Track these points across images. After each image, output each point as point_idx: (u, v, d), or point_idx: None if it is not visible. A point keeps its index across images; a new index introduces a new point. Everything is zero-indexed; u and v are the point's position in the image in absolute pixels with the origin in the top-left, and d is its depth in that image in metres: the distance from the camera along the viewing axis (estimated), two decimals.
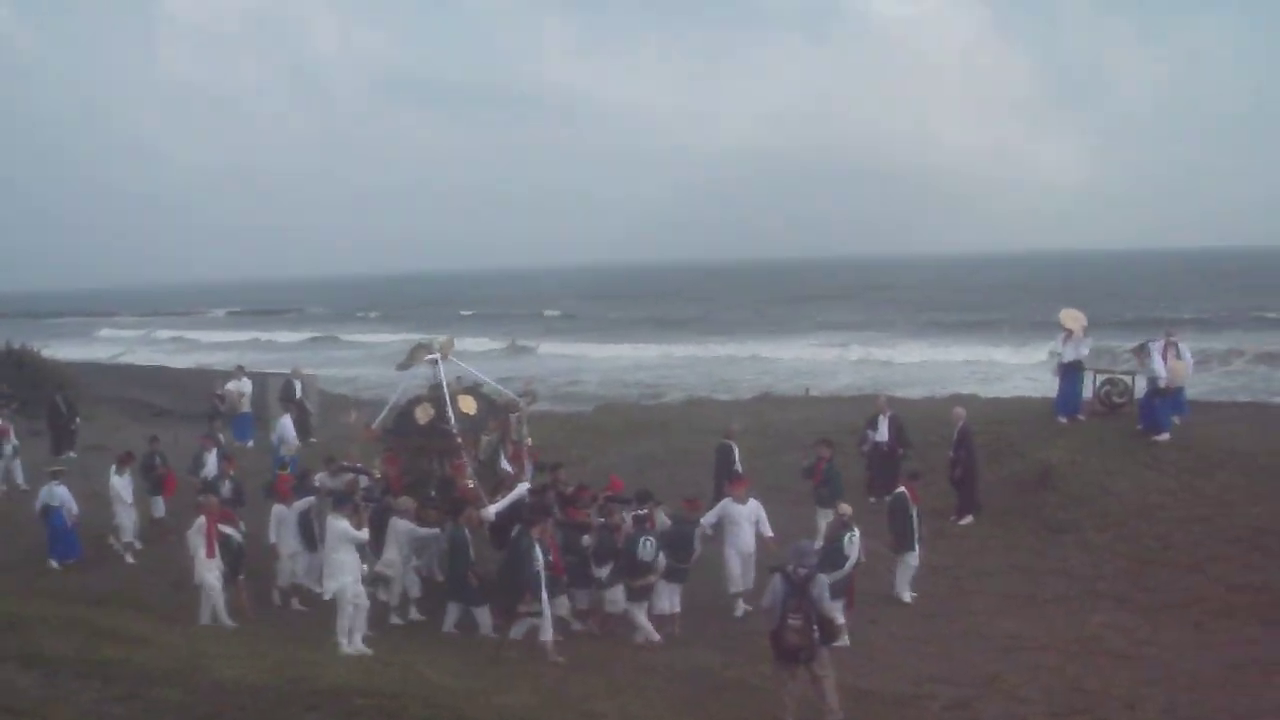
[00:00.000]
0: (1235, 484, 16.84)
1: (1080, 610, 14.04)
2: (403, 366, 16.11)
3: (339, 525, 12.64)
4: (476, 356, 42.65)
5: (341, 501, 13.28)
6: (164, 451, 18.76)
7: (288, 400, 25.59)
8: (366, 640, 12.62)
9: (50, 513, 17.21)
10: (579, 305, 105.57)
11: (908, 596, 14.49)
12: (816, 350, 55.22)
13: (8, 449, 21.75)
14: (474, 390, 15.97)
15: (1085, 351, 19.49)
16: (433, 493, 14.78)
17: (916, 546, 14.38)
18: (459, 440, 14.63)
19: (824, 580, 10.57)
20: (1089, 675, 12.10)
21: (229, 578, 14.38)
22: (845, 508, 13.43)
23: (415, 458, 15.22)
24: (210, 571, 13.81)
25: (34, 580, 15.80)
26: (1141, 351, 18.82)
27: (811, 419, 21.81)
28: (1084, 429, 19.13)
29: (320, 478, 16.06)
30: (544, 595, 12.53)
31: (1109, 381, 19.93)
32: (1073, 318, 19.54)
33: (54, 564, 17.05)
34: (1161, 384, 18.42)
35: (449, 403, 14.87)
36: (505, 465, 15.71)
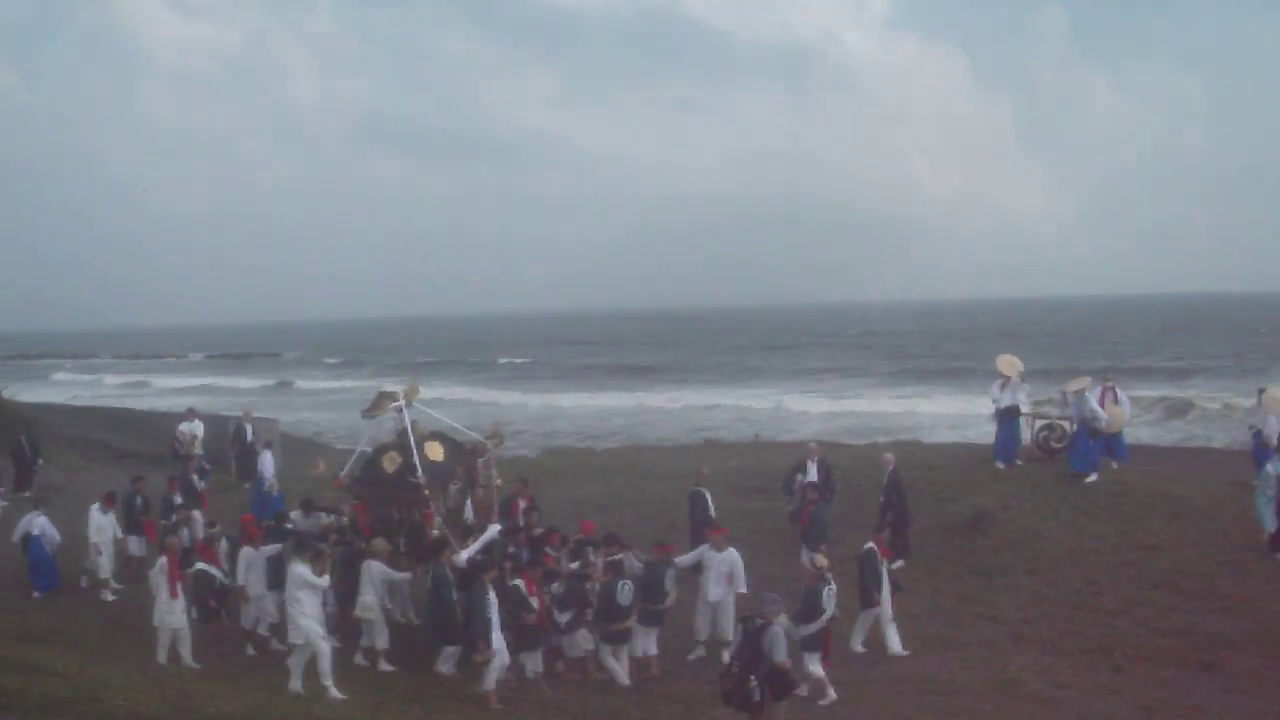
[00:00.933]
0: (1166, 529, 16.91)
1: (1002, 654, 13.88)
2: (368, 414, 16.00)
3: (297, 570, 12.59)
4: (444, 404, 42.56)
5: (302, 546, 13.25)
6: (147, 495, 18.63)
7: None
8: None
9: (31, 541, 17.24)
10: (546, 351, 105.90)
11: (859, 646, 14.11)
12: (794, 398, 54.98)
13: None
14: (440, 436, 15.80)
15: (1022, 397, 19.63)
16: (401, 541, 14.73)
17: (886, 603, 13.96)
18: (426, 491, 14.58)
19: (777, 632, 10.47)
20: (1001, 718, 12.00)
21: (211, 616, 14.37)
22: (822, 559, 13.09)
23: (383, 506, 15.20)
24: (172, 613, 13.63)
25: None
26: (1077, 394, 18.86)
27: (749, 465, 21.82)
28: (1021, 474, 19.17)
29: (294, 517, 16.08)
30: (494, 641, 12.36)
31: (1047, 427, 20.01)
32: (1009, 364, 19.63)
33: (36, 594, 17.05)
34: (1100, 425, 18.48)
35: (416, 450, 14.79)
36: (469, 514, 15.71)
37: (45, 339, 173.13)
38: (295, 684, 12.28)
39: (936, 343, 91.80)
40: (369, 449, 16.04)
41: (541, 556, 14.21)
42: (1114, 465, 19.09)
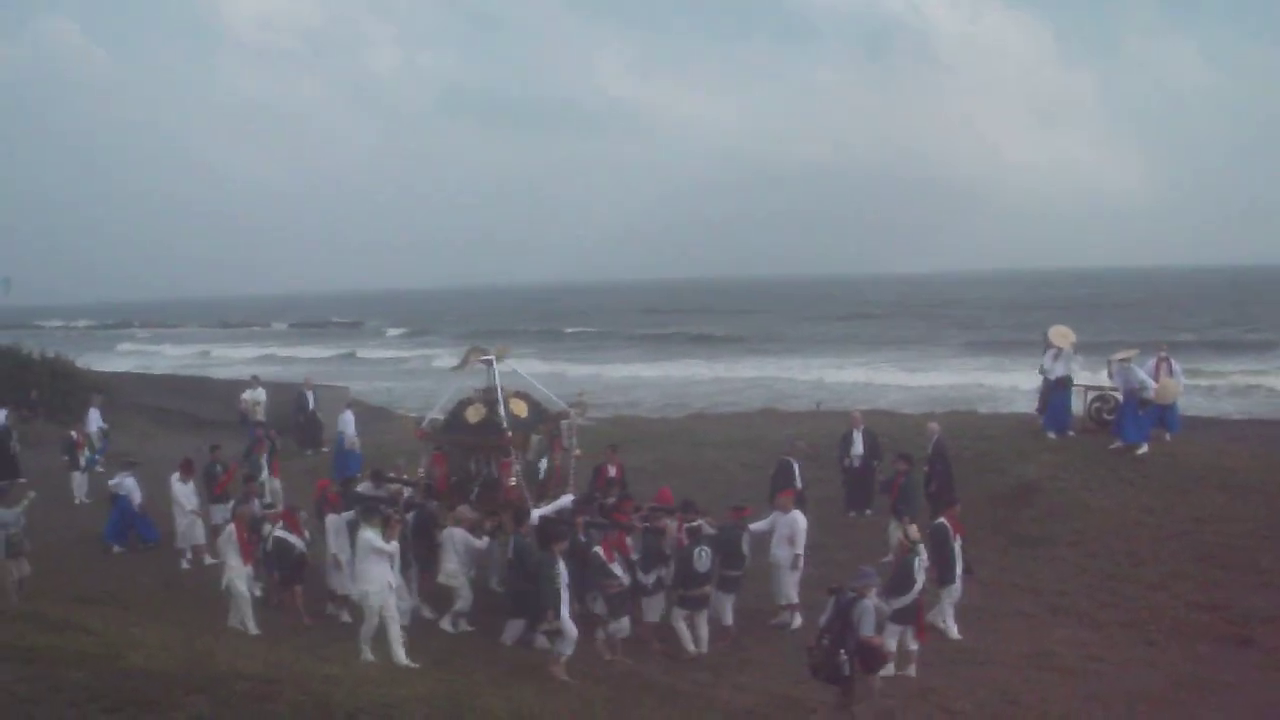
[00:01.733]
0: (1213, 501, 16.86)
1: (1039, 625, 14.06)
2: (457, 368, 16.15)
3: (365, 536, 12.52)
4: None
5: (370, 511, 13.11)
6: (225, 460, 18.91)
7: (300, 411, 26.33)
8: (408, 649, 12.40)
9: (117, 500, 17.98)
10: (625, 320, 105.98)
11: (954, 631, 13.61)
12: (868, 371, 54.13)
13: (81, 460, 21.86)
14: (525, 395, 15.86)
15: (1074, 368, 19.51)
16: (474, 494, 14.83)
17: (958, 579, 13.63)
18: (509, 438, 14.64)
19: (868, 605, 10.24)
20: (1029, 690, 12.13)
21: (286, 584, 14.56)
22: (914, 530, 12.65)
23: (463, 458, 15.21)
24: (240, 578, 13.76)
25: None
26: (1123, 364, 18.79)
27: (805, 433, 21.93)
28: (1071, 445, 19.16)
29: (363, 487, 15.99)
30: (564, 613, 12.21)
31: (1099, 398, 19.91)
32: (1061, 334, 19.55)
33: (116, 548, 17.83)
34: (1149, 395, 18.42)
35: (501, 404, 14.90)
36: (542, 475, 15.72)
37: (129, 309, 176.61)
38: (366, 654, 12.21)
39: (1014, 313, 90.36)
40: (452, 402, 16.03)
41: (612, 514, 14.46)
42: (1167, 437, 19.01)
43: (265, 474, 19.31)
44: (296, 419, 26.43)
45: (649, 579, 13.60)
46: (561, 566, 12.29)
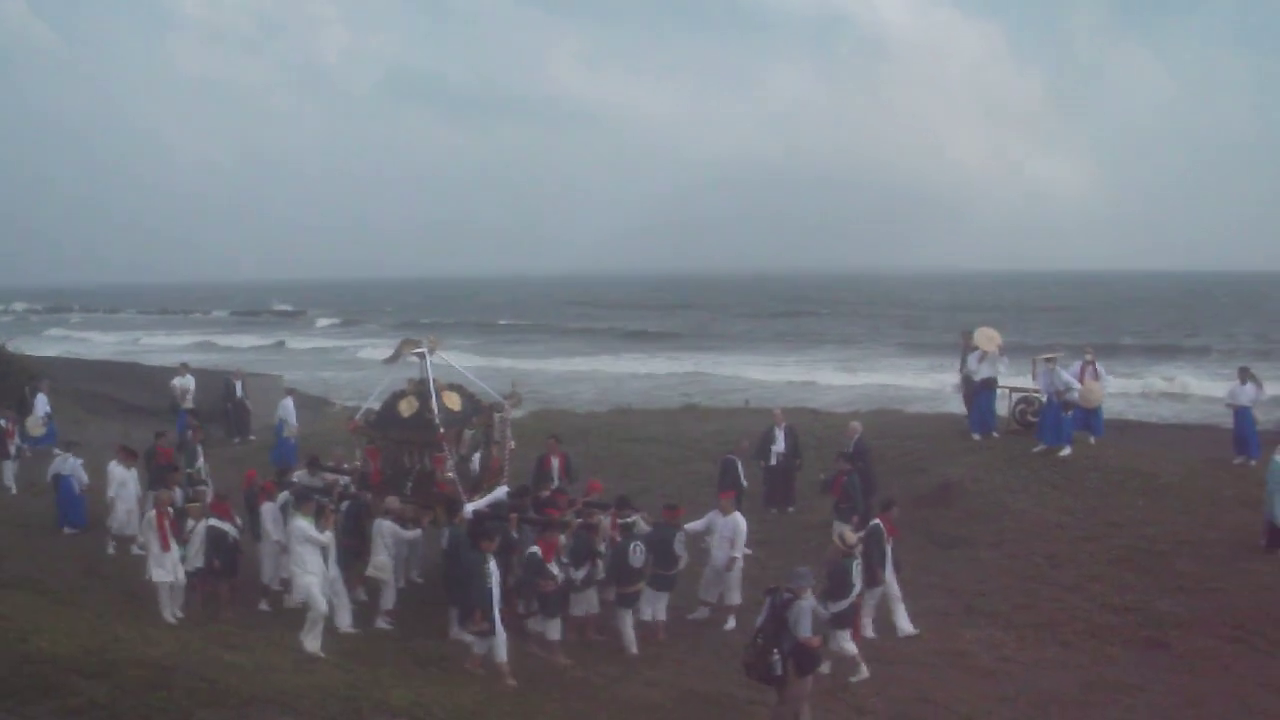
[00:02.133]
0: (1133, 505, 16.87)
1: (953, 625, 13.89)
2: (389, 360, 15.83)
3: (298, 524, 12.39)
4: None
5: (302, 498, 12.99)
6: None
7: (228, 399, 26.10)
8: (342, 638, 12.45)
9: (61, 481, 17.75)
10: (557, 314, 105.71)
11: (870, 631, 13.39)
12: (805, 369, 53.88)
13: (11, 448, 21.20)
14: (459, 388, 15.66)
15: (1000, 369, 19.48)
16: (409, 487, 14.62)
17: (889, 580, 13.51)
18: (441, 433, 14.42)
19: (804, 607, 10.34)
20: (940, 688, 12.07)
21: (222, 575, 14.13)
22: (849, 533, 12.60)
23: (396, 451, 15.02)
24: (162, 566, 13.44)
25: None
26: (1048, 364, 18.82)
27: (723, 430, 21.81)
28: (995, 446, 19.17)
29: (299, 475, 15.90)
30: (495, 615, 12.01)
31: (1024, 400, 19.90)
32: (987, 337, 19.54)
33: (66, 530, 17.57)
34: (1073, 397, 18.44)
35: (434, 397, 14.67)
36: (474, 468, 15.59)
37: (74, 294, 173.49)
38: (312, 645, 12.07)
39: (958, 314, 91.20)
40: (385, 394, 15.70)
41: (545, 509, 14.27)
42: (1091, 440, 19.00)
43: (200, 461, 19.16)
44: (224, 407, 26.45)
45: (579, 575, 13.32)
46: (493, 565, 12.12)
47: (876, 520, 13.63)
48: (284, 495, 14.57)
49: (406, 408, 14.81)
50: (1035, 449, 18.61)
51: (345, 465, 16.24)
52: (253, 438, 25.71)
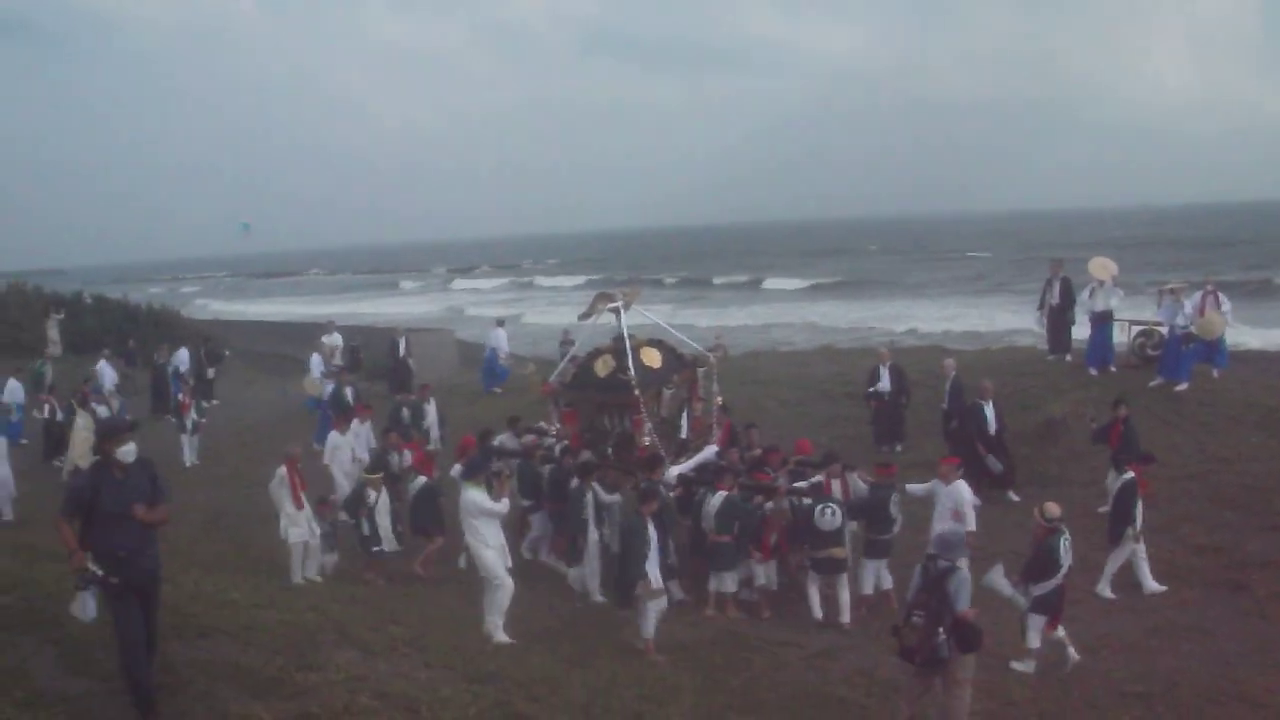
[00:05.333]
0: (1245, 440, 16.33)
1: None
2: (584, 316, 15.10)
3: (469, 495, 11.33)
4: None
5: (474, 468, 11.88)
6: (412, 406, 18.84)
7: (392, 356, 26.33)
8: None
9: None
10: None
11: (1109, 592, 12.86)
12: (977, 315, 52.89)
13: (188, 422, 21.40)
14: (659, 343, 14.90)
15: (1115, 302, 18.88)
16: (609, 451, 14.08)
17: (1130, 540, 12.79)
18: (638, 394, 13.69)
19: (965, 577, 8.89)
20: (995, 629, 12.04)
21: (427, 533, 14.00)
22: (1054, 508, 11.07)
23: (594, 413, 14.40)
24: (297, 525, 13.11)
25: None
26: (1172, 296, 18.18)
27: (844, 372, 21.84)
28: (1110, 381, 18.57)
29: (503, 439, 15.49)
30: (655, 574, 11.30)
31: (1144, 333, 19.28)
32: (1102, 266, 18.91)
33: None
34: (1190, 328, 17.83)
35: (630, 355, 13.97)
36: (683, 429, 14.91)
37: (287, 258, 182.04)
38: (490, 621, 11.26)
39: (1144, 251, 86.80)
40: (581, 353, 15.47)
41: (759, 477, 13.69)
42: (1215, 374, 18.31)
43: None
44: (389, 364, 26.78)
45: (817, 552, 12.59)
46: (652, 532, 11.40)
47: (1130, 473, 12.85)
48: (456, 467, 13.94)
49: (602, 367, 14.17)
50: (1151, 384, 18.08)
51: (544, 426, 15.79)
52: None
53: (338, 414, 17.91)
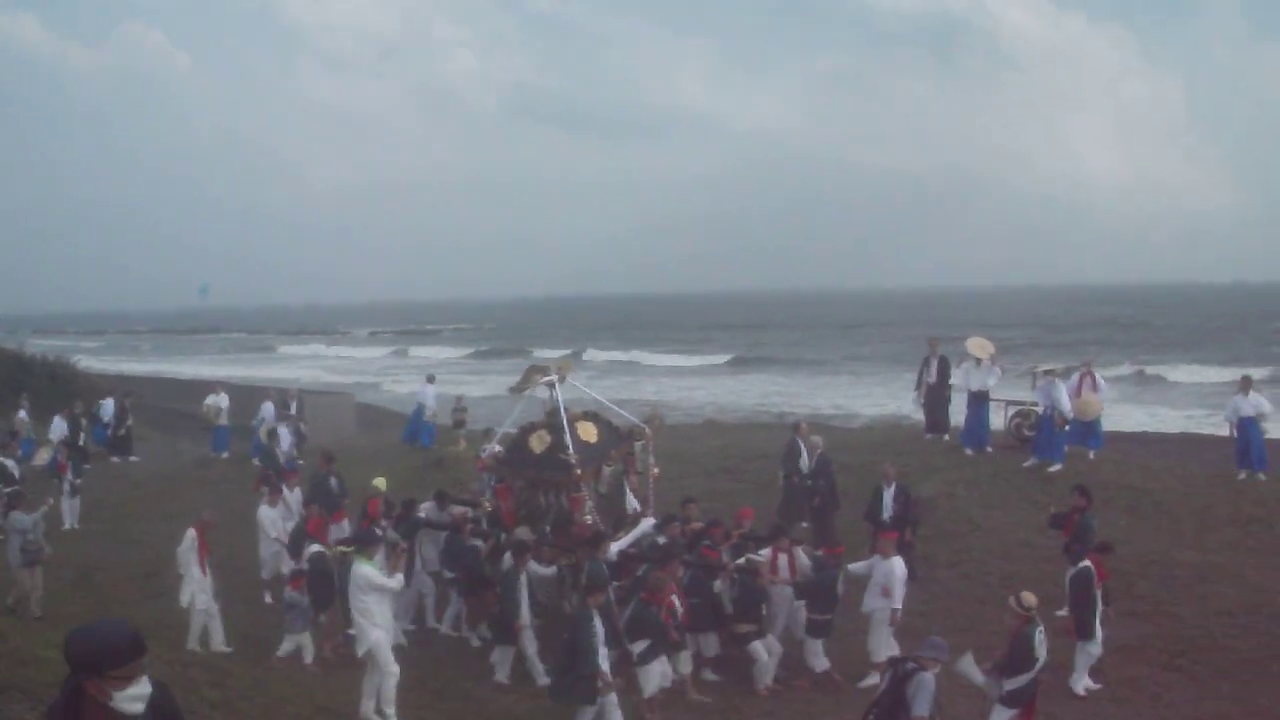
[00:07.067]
0: (1115, 523, 15.86)
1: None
2: (516, 390, 14.68)
3: (360, 570, 10.53)
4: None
5: (367, 541, 11.28)
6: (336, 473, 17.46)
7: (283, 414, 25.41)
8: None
9: None
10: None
11: (1082, 689, 11.99)
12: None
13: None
14: (594, 416, 14.44)
15: (992, 381, 18.61)
16: (548, 529, 13.52)
17: (1099, 632, 12.07)
18: (578, 472, 13.21)
19: (926, 681, 8.56)
20: (832, 714, 11.55)
21: (316, 608, 12.94)
22: (1030, 597, 10.16)
23: (530, 490, 13.78)
24: (204, 593, 12.73)
25: None
26: (1047, 376, 17.92)
27: (728, 445, 21.35)
28: (984, 462, 18.30)
29: (426, 508, 15.01)
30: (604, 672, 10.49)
31: (1020, 413, 18.99)
32: (979, 346, 18.73)
33: None
34: (1068, 414, 17.52)
35: (567, 430, 13.48)
36: (633, 502, 14.35)
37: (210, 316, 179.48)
38: (366, 707, 10.47)
39: (1042, 331, 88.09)
40: (514, 428, 14.85)
41: (703, 550, 13.09)
42: (1090, 455, 18.03)
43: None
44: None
45: (748, 627, 12.42)
46: (597, 624, 10.56)
47: (1087, 562, 12.12)
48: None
49: (538, 443, 13.56)
50: (1025, 464, 17.73)
51: (477, 498, 15.27)
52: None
53: (324, 504, 16.17)
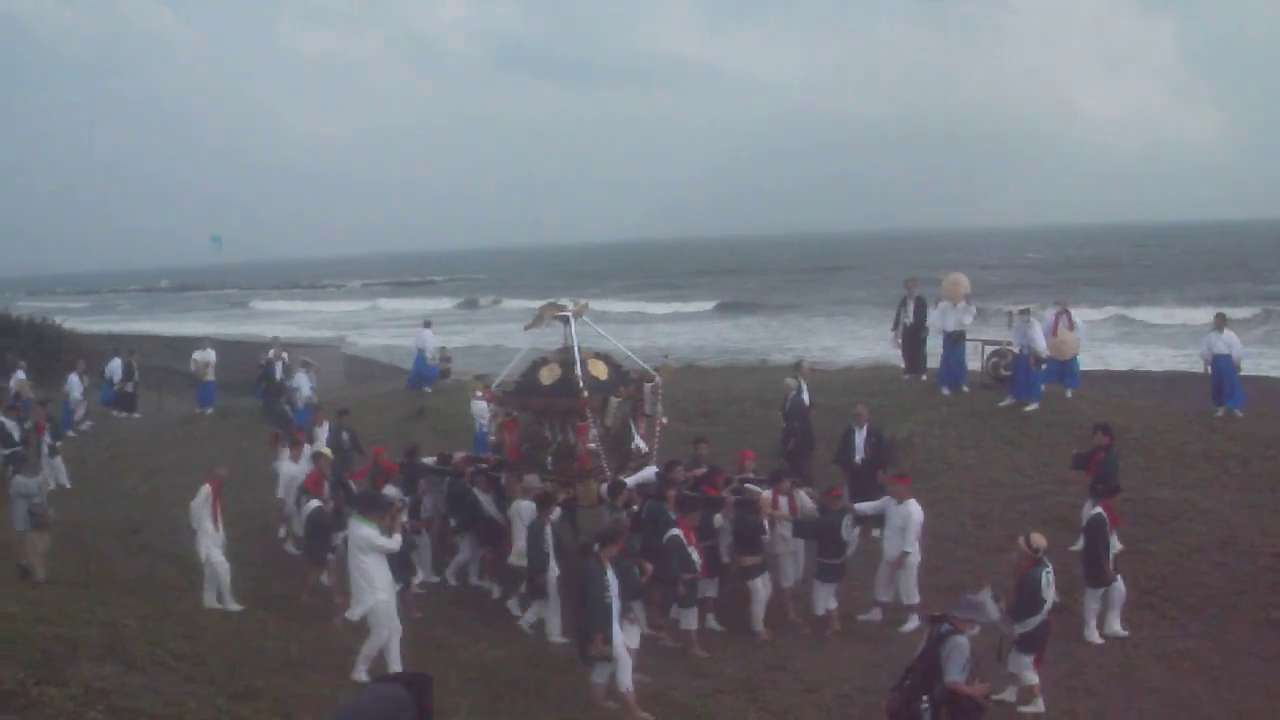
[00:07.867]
0: None
1: (854, 589, 13.21)
2: (530, 326, 14.44)
3: (359, 530, 10.26)
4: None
5: (371, 504, 10.91)
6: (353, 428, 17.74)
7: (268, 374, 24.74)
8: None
9: None
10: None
11: (1097, 637, 12.02)
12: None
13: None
14: (606, 357, 14.44)
15: (968, 320, 18.42)
16: (549, 463, 13.59)
17: (1118, 578, 12.10)
18: (585, 402, 13.23)
19: (960, 644, 8.28)
20: (799, 657, 11.72)
21: (312, 562, 13.23)
22: (1039, 539, 10.49)
23: (535, 423, 13.92)
24: (216, 547, 12.68)
25: None
26: (1023, 316, 17.75)
27: (706, 390, 21.18)
28: (960, 401, 18.19)
29: (430, 459, 15.21)
30: (615, 635, 10.13)
31: (997, 353, 18.80)
32: (954, 284, 18.47)
33: None
34: (1043, 354, 17.40)
35: (579, 365, 13.54)
36: (639, 441, 14.27)
37: (203, 273, 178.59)
38: (359, 672, 10.08)
39: (1054, 271, 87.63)
40: (525, 362, 14.79)
41: (706, 490, 13.20)
42: (1067, 394, 17.93)
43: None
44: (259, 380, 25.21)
45: (756, 559, 12.57)
46: (611, 578, 10.21)
47: (1098, 509, 12.19)
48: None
49: (548, 375, 13.72)
50: (1001, 403, 17.63)
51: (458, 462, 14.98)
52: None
53: (336, 455, 16.08)
